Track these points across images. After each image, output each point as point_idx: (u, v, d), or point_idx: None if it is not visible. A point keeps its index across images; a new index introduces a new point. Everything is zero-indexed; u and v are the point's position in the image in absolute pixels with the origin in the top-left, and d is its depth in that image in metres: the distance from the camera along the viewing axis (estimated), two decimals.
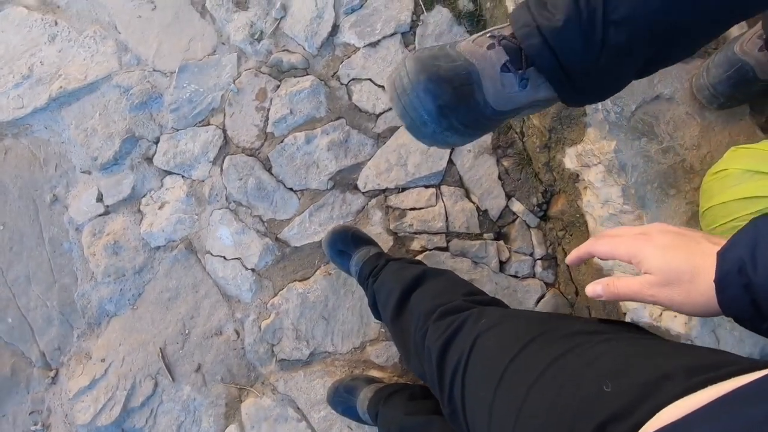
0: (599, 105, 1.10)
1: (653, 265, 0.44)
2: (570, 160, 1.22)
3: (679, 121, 1.09)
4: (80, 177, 1.50)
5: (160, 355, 1.40)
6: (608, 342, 0.52)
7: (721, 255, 0.41)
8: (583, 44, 0.51)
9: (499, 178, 1.39)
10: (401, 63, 0.59)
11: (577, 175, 1.22)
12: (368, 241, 1.28)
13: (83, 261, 1.46)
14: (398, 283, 1.00)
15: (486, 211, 1.39)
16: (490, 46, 0.57)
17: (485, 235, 1.38)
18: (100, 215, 1.48)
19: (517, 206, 1.37)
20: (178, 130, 1.48)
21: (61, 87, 1.50)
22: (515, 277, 1.36)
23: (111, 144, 1.48)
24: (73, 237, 1.48)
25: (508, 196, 1.39)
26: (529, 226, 1.37)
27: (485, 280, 1.34)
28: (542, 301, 1.33)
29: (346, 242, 1.26)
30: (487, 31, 0.61)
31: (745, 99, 1.02)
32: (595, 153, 1.12)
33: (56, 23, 1.55)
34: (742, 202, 0.87)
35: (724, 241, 0.43)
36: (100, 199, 1.48)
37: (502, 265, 1.36)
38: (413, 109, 0.57)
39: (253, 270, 1.41)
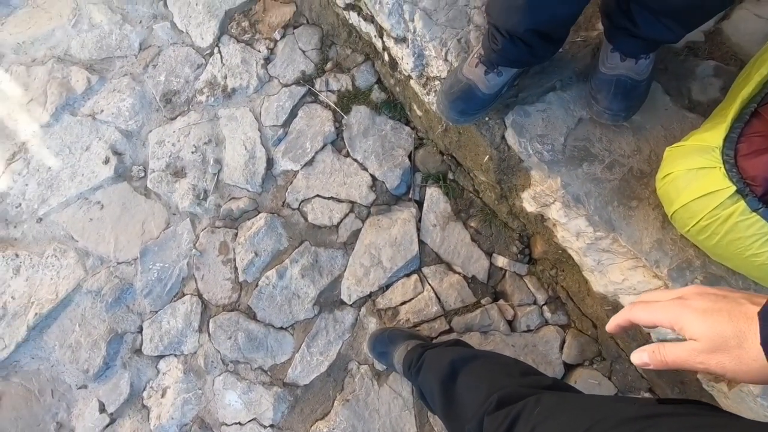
0: (530, 149, 1.11)
1: (696, 330, 0.42)
2: (528, 204, 1.21)
3: (610, 134, 1.10)
4: (78, 394, 1.47)
5: None
6: (668, 426, 0.49)
7: (762, 316, 0.39)
8: (514, 48, 0.96)
9: (473, 239, 1.38)
10: (438, 94, 1.15)
11: (542, 216, 1.21)
12: (406, 336, 1.25)
13: None
14: (437, 374, 0.97)
15: (474, 276, 1.36)
16: (477, 65, 1.05)
17: (483, 301, 1.34)
18: (107, 426, 1.43)
19: (501, 261, 1.35)
20: (156, 312, 1.48)
21: (36, 313, 1.52)
22: (529, 331, 1.30)
23: (98, 351, 1.47)
24: None
25: (488, 254, 1.36)
26: (520, 276, 1.34)
27: (501, 346, 1.28)
28: (565, 346, 1.26)
29: (384, 343, 1.26)
30: (474, 53, 1.07)
31: (641, 102, 1.05)
32: (546, 193, 1.12)
33: (17, 255, 1.60)
34: (700, 200, 0.85)
35: (764, 300, 0.41)
36: (102, 409, 1.44)
37: (511, 324, 1.31)
38: (449, 118, 1.14)
39: (272, 426, 1.34)
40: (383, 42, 1.39)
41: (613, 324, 0.53)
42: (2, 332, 1.53)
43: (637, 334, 1.16)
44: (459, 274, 1.36)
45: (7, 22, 1.85)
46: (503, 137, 1.16)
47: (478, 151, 1.25)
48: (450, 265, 1.38)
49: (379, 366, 1.33)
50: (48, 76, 1.74)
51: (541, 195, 1.14)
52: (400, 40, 1.29)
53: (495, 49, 0.99)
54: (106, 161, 1.62)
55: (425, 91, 1.30)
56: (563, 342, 1.27)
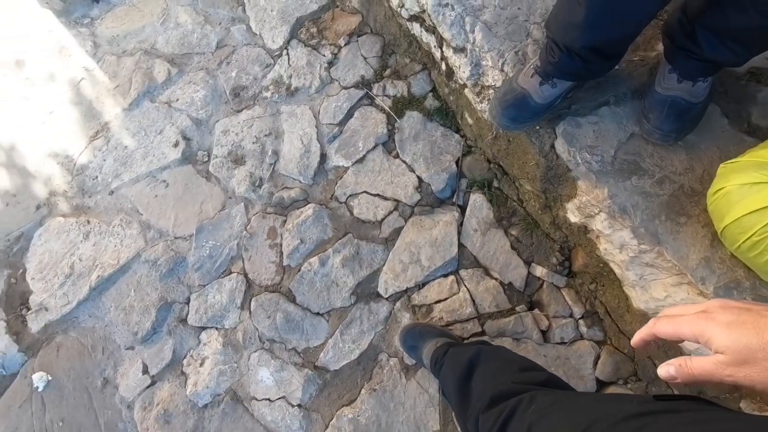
0: (579, 159, 1.13)
1: (722, 343, 0.42)
2: (572, 214, 1.23)
3: (662, 151, 1.10)
4: (125, 354, 1.58)
5: None
6: (667, 423, 0.49)
7: None
8: (570, 62, 1.00)
9: (513, 247, 1.40)
10: (492, 101, 1.22)
11: (585, 227, 1.21)
12: (437, 333, 1.28)
13: None
14: (455, 371, 0.99)
15: (510, 283, 1.37)
16: (532, 75, 1.10)
17: (518, 308, 1.34)
18: (147, 387, 1.52)
19: (539, 270, 1.35)
20: (204, 286, 1.58)
21: (98, 276, 1.65)
22: (562, 344, 1.29)
23: (148, 316, 1.57)
24: (126, 416, 1.51)
25: (527, 263, 1.37)
26: (558, 288, 1.34)
27: (532, 355, 1.28)
28: (599, 362, 1.24)
29: (416, 337, 1.29)
30: (530, 64, 1.13)
31: (693, 125, 1.05)
32: (592, 203, 1.13)
33: (88, 222, 1.76)
34: (753, 215, 0.84)
35: None
36: (145, 371, 1.54)
37: (545, 334, 1.30)
38: (500, 124, 1.20)
39: (299, 406, 1.39)
40: (442, 52, 1.46)
41: (637, 338, 0.53)
42: (67, 290, 1.67)
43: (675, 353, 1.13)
44: (496, 279, 1.38)
45: (106, 17, 2.08)
46: (552, 146, 1.19)
47: (526, 158, 1.28)
48: (488, 269, 1.40)
49: (409, 360, 1.35)
50: (134, 66, 1.94)
51: (587, 205, 1.15)
52: (459, 49, 1.35)
53: (552, 61, 1.03)
54: (176, 145, 1.77)
55: (479, 100, 1.35)
56: (597, 358, 1.25)
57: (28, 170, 1.88)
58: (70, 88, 1.97)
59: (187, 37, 1.94)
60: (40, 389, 1.56)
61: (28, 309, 1.69)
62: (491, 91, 1.31)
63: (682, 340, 0.47)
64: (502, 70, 1.26)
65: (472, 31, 1.31)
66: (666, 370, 0.47)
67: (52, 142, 1.90)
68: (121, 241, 1.70)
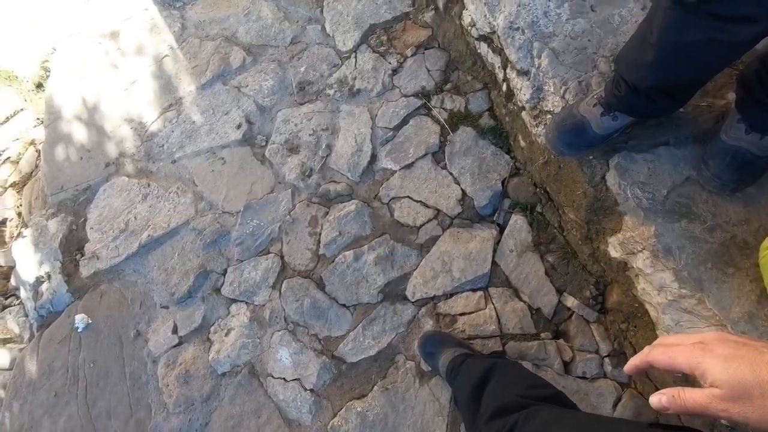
0: (629, 193, 1.13)
1: (718, 378, 0.42)
2: (614, 249, 1.21)
3: (717, 199, 1.08)
4: (160, 312, 1.68)
5: None
6: None
7: None
8: (636, 99, 0.99)
9: (547, 274, 1.39)
10: (549, 124, 1.22)
11: (625, 264, 1.20)
12: (456, 343, 1.30)
13: (158, 393, 1.55)
14: (470, 380, 1.00)
15: (539, 309, 1.36)
16: (594, 105, 1.11)
17: (542, 335, 1.33)
18: (174, 346, 1.60)
19: (570, 301, 1.34)
20: (242, 261, 1.66)
21: (149, 235, 1.77)
22: (584, 378, 1.26)
23: (186, 280, 1.67)
24: (150, 370, 1.60)
25: (559, 292, 1.36)
26: (588, 321, 1.31)
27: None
28: (620, 404, 1.21)
29: (435, 344, 1.31)
30: (593, 94, 1.14)
31: (754, 179, 1.02)
32: (637, 240, 1.12)
33: (149, 185, 1.89)
34: None
35: None
36: (175, 331, 1.62)
37: (567, 365, 1.28)
38: (554, 148, 1.21)
39: (312, 391, 1.42)
40: (505, 73, 1.49)
41: (631, 365, 0.52)
42: (119, 243, 1.80)
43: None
44: (524, 302, 1.37)
45: (197, 3, 2.26)
46: (603, 177, 1.19)
47: (575, 187, 1.28)
48: (517, 291, 1.40)
49: (425, 366, 1.36)
50: (214, 50, 2.08)
51: (630, 241, 1.14)
52: (523, 72, 1.38)
53: (617, 94, 1.04)
54: (239, 126, 1.88)
55: (535, 123, 1.37)
56: (618, 399, 1.22)
57: (105, 130, 2.05)
58: (154, 63, 2.14)
59: (265, 30, 2.08)
60: (79, 330, 1.68)
61: (82, 255, 1.83)
62: (549, 116, 1.32)
63: (677, 371, 0.46)
64: (563, 98, 1.28)
65: (539, 57, 1.34)
66: (658, 399, 0.46)
67: (130, 109, 2.06)
68: (175, 207, 1.82)
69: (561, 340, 1.31)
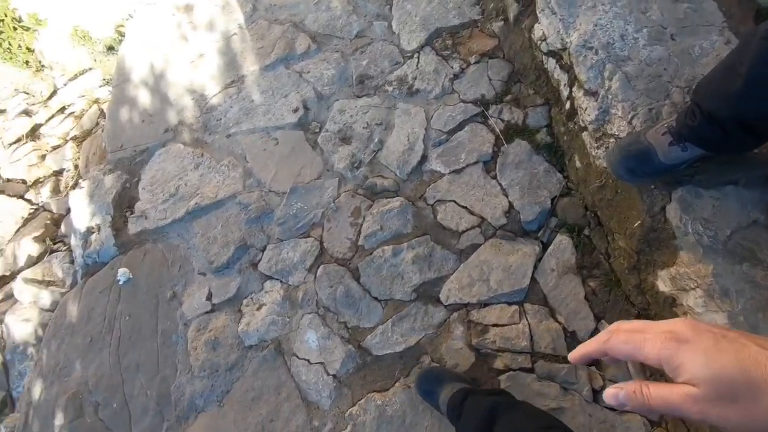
0: (690, 229, 1.10)
1: (698, 375, 0.35)
2: (663, 283, 1.18)
3: None
4: (197, 278, 1.73)
5: None
6: None
7: None
8: (710, 130, 0.97)
9: (586, 298, 1.36)
10: (612, 147, 1.21)
11: (674, 299, 1.16)
12: (452, 378, 1.28)
13: (185, 354, 1.60)
14: (475, 419, 0.98)
15: (573, 332, 1.34)
16: (664, 134, 1.08)
17: None
18: (206, 312, 1.65)
19: None
20: (282, 241, 1.69)
21: (196, 203, 1.83)
22: (612, 409, 1.23)
23: (226, 251, 1.72)
24: (181, 331, 1.65)
25: (598, 318, 1.33)
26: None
27: (577, 410, 1.23)
28: None
29: (431, 381, 1.29)
30: (664, 122, 1.11)
31: None
32: (691, 276, 1.09)
33: (202, 155, 1.96)
34: None
35: None
36: (209, 297, 1.67)
37: (596, 393, 1.26)
38: (615, 172, 1.18)
39: (334, 376, 1.44)
40: (571, 91, 1.48)
41: (579, 353, 0.46)
42: (167, 207, 1.87)
43: None
44: (560, 323, 1.35)
45: None
46: (663, 209, 1.16)
47: (630, 214, 1.26)
48: (554, 311, 1.38)
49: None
50: (281, 34, 2.14)
51: (683, 277, 1.11)
52: (591, 93, 1.36)
53: (690, 124, 1.01)
54: (295, 110, 1.93)
55: (596, 145, 1.35)
56: None
57: (168, 98, 2.14)
58: (222, 39, 2.22)
59: (333, 20, 2.12)
60: (120, 283, 1.76)
61: (132, 212, 1.91)
62: (612, 140, 1.30)
63: (641, 364, 0.40)
64: (630, 123, 1.26)
65: (610, 79, 1.32)
66: (614, 394, 0.40)
67: (194, 80, 2.14)
68: (224, 179, 1.87)
69: (593, 368, 1.28)
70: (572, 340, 1.33)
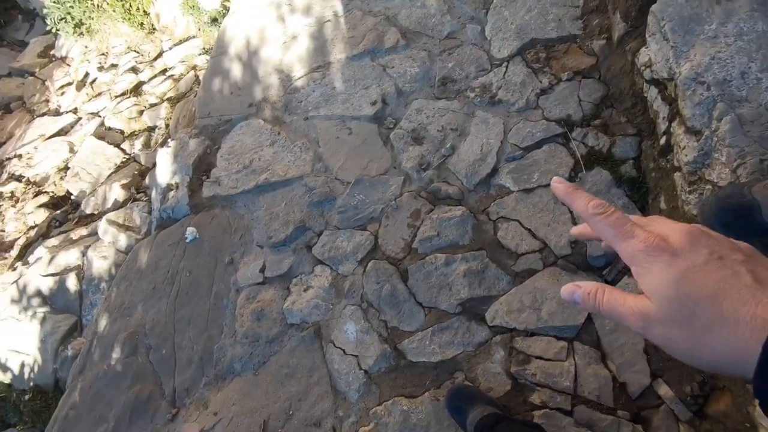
0: None
1: (659, 292, 0.33)
2: None
3: None
4: (254, 249, 1.81)
5: (262, 427, 1.47)
6: None
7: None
8: None
9: (645, 351, 1.26)
10: (708, 195, 1.12)
11: None
12: (485, 400, 1.24)
13: (232, 319, 1.69)
14: None
15: (624, 384, 1.24)
16: None
17: (620, 412, 1.21)
18: (258, 284, 1.73)
19: (664, 390, 1.20)
20: (339, 229, 1.73)
21: (266, 178, 1.92)
22: None
23: (285, 229, 1.78)
24: (233, 296, 1.74)
25: (654, 376, 1.23)
26: (678, 419, 1.17)
27: None
28: None
29: (463, 399, 1.27)
30: None
31: None
32: None
33: (279, 133, 2.04)
34: None
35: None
36: (262, 270, 1.75)
37: None
38: (707, 223, 1.02)
39: (365, 372, 1.45)
40: (670, 126, 1.36)
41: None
42: (239, 177, 1.97)
43: None
44: (610, 371, 1.26)
45: None
46: None
47: None
48: (606, 356, 1.29)
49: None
50: (373, 26, 2.16)
51: None
52: (693, 131, 1.24)
53: None
54: (374, 103, 1.94)
55: (688, 189, 1.23)
56: None
57: (257, 74, 2.24)
58: (316, 24, 2.28)
59: (426, 18, 2.10)
60: (188, 240, 1.88)
61: (208, 177, 2.04)
62: (709, 186, 1.18)
63: (611, 250, 0.38)
64: (734, 172, 1.13)
65: (719, 119, 1.19)
66: (570, 293, 0.38)
67: (284, 60, 2.23)
68: (295, 160, 1.94)
69: (640, 426, 1.18)
70: (620, 391, 1.24)
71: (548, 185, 1.54)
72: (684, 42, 1.34)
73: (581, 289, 0.38)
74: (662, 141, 1.40)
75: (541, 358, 1.32)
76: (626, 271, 1.18)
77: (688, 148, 1.24)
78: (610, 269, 1.43)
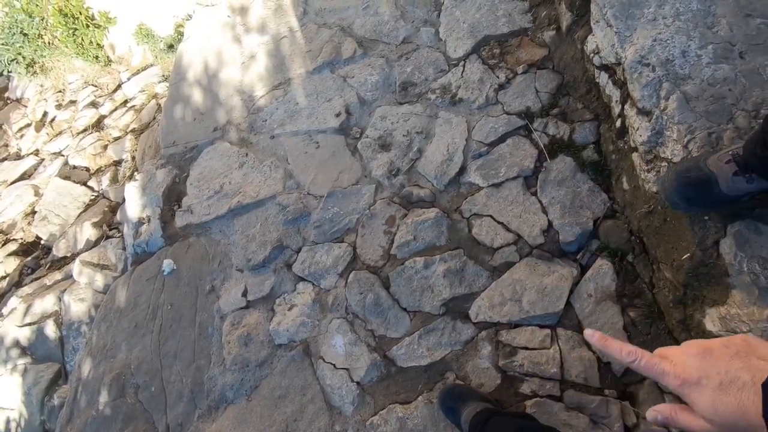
0: (745, 267, 1.01)
1: (706, 416, 0.43)
2: (712, 322, 1.10)
3: None
4: (234, 274, 1.80)
5: None
6: None
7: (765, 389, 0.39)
8: None
9: (625, 329, 1.30)
10: (666, 171, 1.15)
11: None
12: (477, 397, 1.26)
13: (219, 347, 1.68)
14: None
15: (608, 363, 1.28)
16: (728, 162, 0.99)
17: (607, 392, 1.24)
18: (241, 308, 1.72)
19: None
20: (316, 244, 1.73)
21: (238, 201, 1.90)
22: None
23: (263, 250, 1.77)
24: (217, 324, 1.72)
25: None
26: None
27: None
28: None
29: (455, 398, 1.28)
30: (728, 149, 1.02)
31: None
32: (743, 319, 1.00)
33: (247, 155, 2.03)
34: None
35: None
36: (244, 294, 1.73)
37: (628, 431, 1.19)
38: (669, 199, 1.11)
39: (358, 383, 1.45)
40: (623, 109, 1.40)
41: (601, 342, 0.51)
42: (212, 203, 1.95)
43: None
44: (594, 353, 1.29)
45: None
46: (717, 243, 1.08)
47: (679, 245, 1.18)
48: None
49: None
50: (329, 38, 2.17)
51: (734, 318, 1.03)
52: (644, 112, 1.29)
53: (759, 154, 0.93)
54: (338, 115, 1.95)
55: (646, 168, 1.27)
56: None
57: (219, 97, 2.23)
58: (273, 41, 2.28)
59: (380, 26, 2.12)
60: (165, 273, 1.86)
61: (179, 206, 2.01)
62: (664, 163, 1.22)
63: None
64: (685, 147, 1.18)
65: (667, 98, 1.24)
66: (654, 416, 0.47)
67: (244, 81, 2.22)
68: (266, 179, 1.93)
69: (627, 403, 1.22)
70: (606, 371, 1.27)
71: (516, 178, 1.57)
72: (626, 27, 1.39)
73: (661, 413, 0.47)
74: (618, 124, 1.44)
75: (526, 348, 1.34)
76: (598, 253, 1.21)
77: (642, 129, 1.28)
78: (583, 253, 1.47)
